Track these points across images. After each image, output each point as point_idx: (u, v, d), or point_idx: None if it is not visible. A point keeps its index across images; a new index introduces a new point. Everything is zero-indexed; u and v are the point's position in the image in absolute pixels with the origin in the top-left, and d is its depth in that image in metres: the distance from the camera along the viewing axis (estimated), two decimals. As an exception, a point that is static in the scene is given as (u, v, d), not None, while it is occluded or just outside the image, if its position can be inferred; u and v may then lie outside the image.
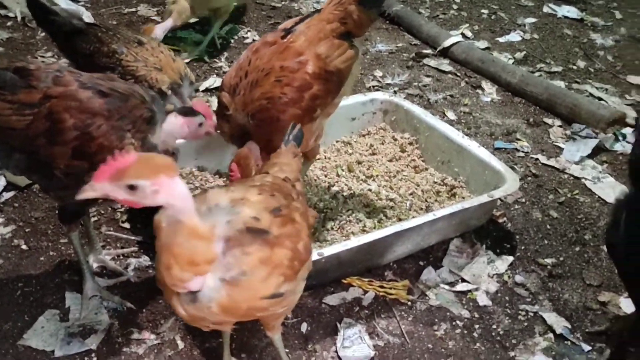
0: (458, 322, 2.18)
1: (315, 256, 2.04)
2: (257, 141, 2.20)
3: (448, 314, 2.21)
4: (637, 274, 1.87)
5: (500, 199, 2.78)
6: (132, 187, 1.33)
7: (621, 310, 2.26)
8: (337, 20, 2.25)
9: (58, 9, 3.83)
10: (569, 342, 2.13)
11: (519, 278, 2.38)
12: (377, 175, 2.82)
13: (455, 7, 4.80)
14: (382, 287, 2.27)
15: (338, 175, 2.80)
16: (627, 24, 4.68)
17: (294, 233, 1.59)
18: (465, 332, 2.15)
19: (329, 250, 2.09)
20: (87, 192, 1.35)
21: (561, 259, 2.50)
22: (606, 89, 3.79)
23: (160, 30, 3.29)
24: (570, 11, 4.81)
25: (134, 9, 4.24)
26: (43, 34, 3.72)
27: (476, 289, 2.32)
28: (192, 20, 3.85)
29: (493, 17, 4.69)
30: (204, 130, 2.03)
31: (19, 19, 3.91)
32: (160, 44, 2.73)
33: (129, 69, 2.53)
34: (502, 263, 2.43)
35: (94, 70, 2.54)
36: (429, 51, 4.07)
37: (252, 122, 2.17)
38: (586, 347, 2.11)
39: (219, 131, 2.25)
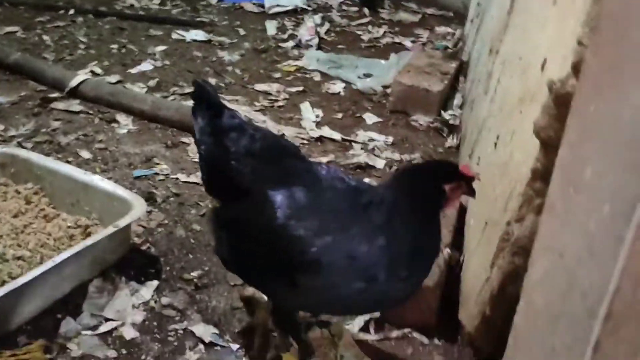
0: (104, 365, 2.06)
1: None
2: None
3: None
4: (252, 281, 1.98)
5: (143, 226, 2.75)
6: None
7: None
8: None
9: None
10: (218, 347, 2.15)
11: (165, 300, 2.34)
12: (1, 236, 2.54)
13: (82, 46, 4.66)
14: (14, 355, 2.03)
15: (-48, 247, 2.46)
16: (249, 38, 5.04)
17: None
18: (113, 372, 2.03)
19: None
20: None
21: (206, 268, 2.53)
22: (237, 100, 4.01)
23: None
24: (198, 34, 5.01)
25: None
26: None
27: (122, 325, 2.21)
28: None
29: (123, 50, 4.66)
30: None
31: None
32: None
33: None
34: (147, 290, 2.37)
35: None
36: (56, 94, 3.87)
37: None
38: (235, 347, 2.15)
39: None
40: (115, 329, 2.20)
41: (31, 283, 2.05)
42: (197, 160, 3.26)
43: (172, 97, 3.98)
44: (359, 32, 5.25)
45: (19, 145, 3.28)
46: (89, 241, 2.23)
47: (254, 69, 4.52)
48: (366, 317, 2.29)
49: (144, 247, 2.61)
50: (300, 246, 1.76)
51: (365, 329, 2.26)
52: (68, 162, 3.16)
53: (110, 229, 2.30)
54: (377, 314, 2.29)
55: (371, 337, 2.23)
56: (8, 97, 3.82)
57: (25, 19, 5.05)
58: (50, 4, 5.34)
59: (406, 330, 2.26)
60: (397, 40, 5.18)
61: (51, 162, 2.74)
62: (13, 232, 2.57)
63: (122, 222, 2.33)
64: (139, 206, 2.43)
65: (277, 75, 4.43)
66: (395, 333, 2.25)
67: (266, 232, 1.85)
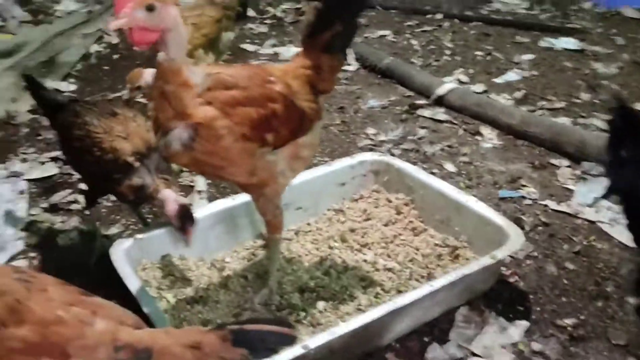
0: (471, 405, 1.94)
1: (299, 350, 1.83)
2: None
3: (459, 396, 1.97)
4: None
5: (511, 255, 2.57)
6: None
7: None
8: (310, 67, 2.08)
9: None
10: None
11: (536, 345, 2.13)
12: (372, 243, 2.61)
13: (448, 52, 4.67)
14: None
15: (330, 248, 2.60)
16: (628, 49, 4.49)
17: None
18: (480, 417, 1.90)
19: (315, 341, 1.87)
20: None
21: (582, 317, 2.24)
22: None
23: (149, 75, 3.12)
24: (569, 42, 4.64)
25: (119, 94, 4.17)
26: (26, 130, 3.65)
27: (488, 364, 2.07)
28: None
29: (488, 58, 4.54)
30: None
31: (2, 117, 3.84)
32: (137, 114, 2.59)
33: (96, 140, 2.42)
34: (516, 329, 2.19)
35: (69, 142, 2.47)
36: (423, 101, 3.91)
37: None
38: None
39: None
40: (481, 366, 2.07)
41: (409, 304, 2.03)
42: (567, 186, 2.99)
43: (539, 112, 3.72)
44: None
45: (389, 151, 3.38)
46: (466, 270, 2.13)
47: (634, 84, 4.00)
48: None
49: (511, 280, 2.43)
50: None
51: None
52: (432, 173, 3.15)
53: (487, 260, 2.16)
54: None
55: None
56: (379, 100, 3.98)
57: (395, 23, 5.27)
58: (418, 8, 5.49)
59: None
60: None
61: (425, 175, 2.72)
62: (383, 241, 2.62)
63: (500, 254, 2.18)
64: (515, 237, 2.25)
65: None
66: None
67: None
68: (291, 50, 4.72)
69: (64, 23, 5.21)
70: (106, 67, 4.58)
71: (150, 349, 1.35)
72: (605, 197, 1.91)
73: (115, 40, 5.00)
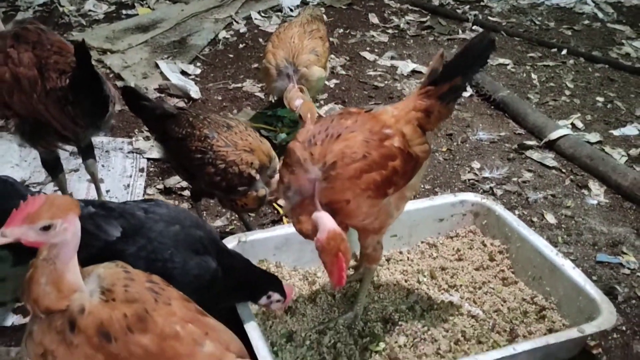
0: None
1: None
2: (324, 202, 1.98)
3: None
4: None
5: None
6: (45, 228, 1.45)
7: None
8: (422, 110, 2.19)
9: (169, 83, 4.04)
10: None
11: None
12: (460, 286, 2.66)
13: (567, 92, 4.56)
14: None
15: (419, 282, 2.67)
16: None
17: None
18: None
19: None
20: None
21: (662, 407, 2.22)
22: None
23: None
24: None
25: (239, 85, 4.37)
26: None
27: None
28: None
29: (609, 106, 4.41)
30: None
31: (132, 90, 4.12)
32: (248, 127, 2.75)
33: (220, 154, 2.58)
34: (592, 406, 2.20)
35: (185, 153, 2.64)
36: (533, 142, 3.87)
37: (325, 175, 1.97)
38: None
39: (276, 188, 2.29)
40: None
41: (487, 362, 2.08)
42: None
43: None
44: None
45: (491, 190, 3.39)
46: (551, 339, 2.15)
47: None
48: None
49: (595, 351, 2.42)
50: None
51: None
52: (532, 222, 3.15)
53: (574, 333, 2.18)
54: None
55: None
56: (489, 133, 3.97)
57: (517, 53, 5.18)
58: (544, 40, 5.37)
59: None
60: None
61: (524, 229, 2.73)
62: (471, 286, 2.66)
63: (589, 329, 2.19)
64: (608, 315, 2.24)
65: None
66: None
67: None
68: (409, 66, 4.77)
69: (199, 5, 5.47)
70: (231, 55, 4.79)
71: None
72: None
73: (243, 29, 5.21)
